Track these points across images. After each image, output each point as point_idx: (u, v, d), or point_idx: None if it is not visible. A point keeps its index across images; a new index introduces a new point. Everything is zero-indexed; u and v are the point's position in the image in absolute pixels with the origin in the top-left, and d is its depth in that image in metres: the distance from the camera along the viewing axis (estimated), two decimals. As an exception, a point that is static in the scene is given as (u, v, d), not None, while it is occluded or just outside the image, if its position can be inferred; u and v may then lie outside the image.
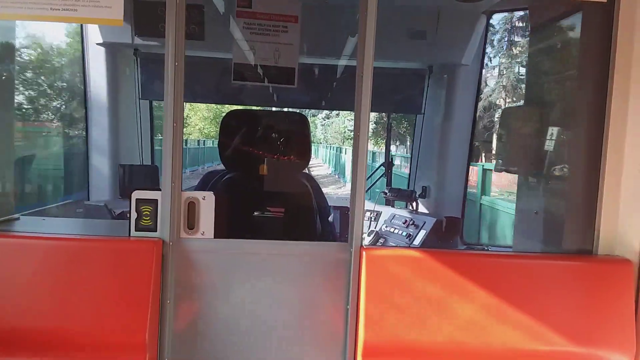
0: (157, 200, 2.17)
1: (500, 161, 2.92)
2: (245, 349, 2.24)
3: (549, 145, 2.78)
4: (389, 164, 4.52)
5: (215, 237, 2.24)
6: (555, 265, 2.30)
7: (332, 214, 3.09)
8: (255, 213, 2.69)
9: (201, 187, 2.75)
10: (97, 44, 3.82)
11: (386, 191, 4.31)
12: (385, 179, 4.47)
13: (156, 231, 2.18)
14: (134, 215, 2.17)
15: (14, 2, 2.09)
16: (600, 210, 2.28)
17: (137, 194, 2.17)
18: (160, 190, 2.18)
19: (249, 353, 2.24)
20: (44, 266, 2.13)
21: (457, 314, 2.17)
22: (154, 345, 2.12)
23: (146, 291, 2.09)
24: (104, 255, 2.16)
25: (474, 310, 2.17)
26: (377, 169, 4.47)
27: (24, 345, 2.06)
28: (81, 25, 3.86)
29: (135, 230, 2.18)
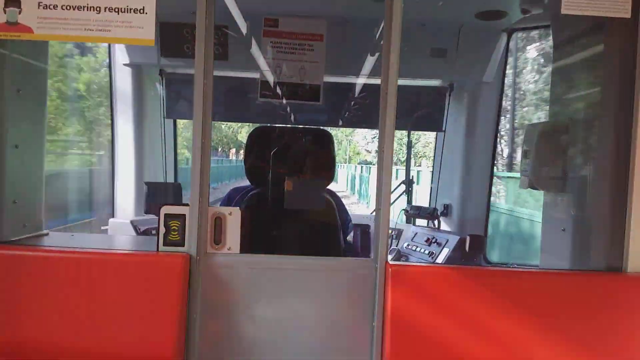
0: (184, 215, 2.21)
1: (525, 178, 2.89)
2: None
3: (575, 160, 2.75)
4: (409, 181, 4.50)
5: (241, 252, 2.26)
6: (583, 283, 2.26)
7: (351, 230, 3.09)
8: (275, 232, 2.70)
9: (226, 202, 2.79)
10: (124, 64, 3.93)
11: (407, 209, 4.30)
12: (406, 197, 4.46)
13: (184, 246, 2.21)
14: (162, 230, 2.20)
15: (50, 23, 2.16)
16: (630, 227, 2.25)
17: (165, 209, 2.21)
18: (187, 205, 2.22)
19: None
20: (72, 280, 2.17)
21: (485, 332, 2.14)
22: (180, 359, 2.12)
23: (173, 305, 2.11)
24: (133, 269, 2.19)
25: (502, 329, 2.14)
26: (397, 187, 4.46)
27: (51, 356, 2.08)
28: (109, 47, 3.98)
29: (164, 245, 2.21)
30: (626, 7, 2.20)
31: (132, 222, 3.52)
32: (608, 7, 2.20)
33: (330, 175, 2.92)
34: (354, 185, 26.28)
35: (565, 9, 2.18)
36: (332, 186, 3.00)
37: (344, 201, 3.10)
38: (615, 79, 2.38)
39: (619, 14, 2.21)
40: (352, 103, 4.27)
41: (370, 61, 3.59)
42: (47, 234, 2.63)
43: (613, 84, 2.39)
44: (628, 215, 2.26)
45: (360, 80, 4.03)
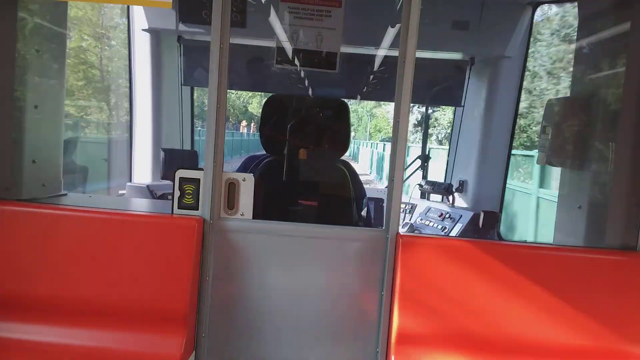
0: (199, 179, 2.23)
1: (542, 154, 2.85)
2: (279, 329, 2.27)
3: (594, 138, 2.70)
4: (425, 156, 4.47)
5: (253, 218, 2.28)
6: (596, 260, 2.24)
7: (365, 206, 3.09)
8: (288, 200, 2.71)
9: (242, 170, 2.81)
10: (143, 29, 3.92)
11: (422, 184, 4.28)
12: (422, 172, 4.43)
13: (198, 210, 2.24)
14: (177, 193, 2.23)
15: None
16: None
17: (180, 173, 2.24)
18: (202, 170, 2.24)
19: (283, 334, 2.27)
20: (91, 238, 2.22)
21: (493, 303, 2.15)
22: (192, 318, 2.18)
23: (187, 266, 2.15)
24: (148, 230, 2.23)
25: (511, 301, 2.14)
26: (413, 161, 4.43)
27: (68, 311, 2.14)
28: (128, 10, 3.97)
29: (178, 208, 2.24)
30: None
31: (148, 186, 3.58)
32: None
33: (344, 146, 2.92)
34: (380, 168, 20.59)
35: None
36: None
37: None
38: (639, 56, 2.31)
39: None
40: (371, 76, 4.22)
41: (390, 33, 3.53)
42: (65, 195, 2.69)
43: (637, 61, 2.33)
44: None
45: (381, 53, 3.97)
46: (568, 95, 3.10)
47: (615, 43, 2.63)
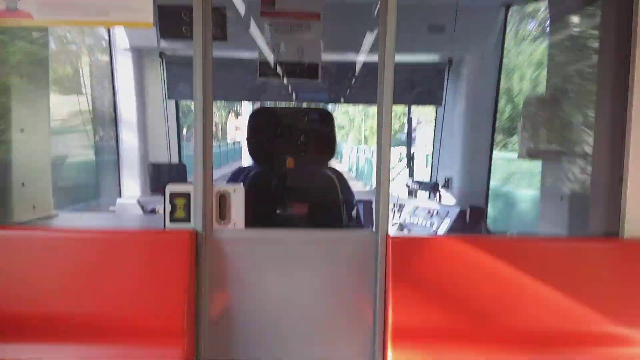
0: (189, 193, 2.26)
1: (523, 147, 2.93)
2: (277, 335, 2.30)
3: (572, 130, 2.79)
4: (410, 156, 4.55)
5: (246, 227, 2.32)
6: (581, 248, 2.31)
7: (355, 207, 3.14)
8: (278, 211, 2.75)
9: (232, 181, 2.84)
10: (124, 49, 3.95)
11: (409, 183, 4.35)
12: (408, 171, 4.51)
13: (190, 222, 2.27)
14: (168, 207, 2.26)
15: (49, 8, 2.18)
16: (626, 193, 2.30)
17: (171, 188, 2.26)
18: (192, 183, 2.27)
19: (281, 339, 2.30)
20: (83, 258, 2.22)
21: (484, 297, 2.20)
22: (190, 332, 2.19)
23: (182, 280, 2.17)
24: (141, 246, 2.25)
25: (501, 294, 2.20)
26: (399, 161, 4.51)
27: (62, 331, 2.14)
28: (108, 31, 4.00)
29: (170, 222, 2.27)
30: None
31: (139, 201, 3.59)
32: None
33: (330, 153, 2.98)
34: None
35: None
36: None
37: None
38: (612, 50, 2.40)
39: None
40: (353, 80, 4.28)
41: (369, 39, 3.60)
42: (56, 215, 2.70)
43: (610, 55, 2.42)
44: (625, 182, 2.30)
45: (361, 58, 4.04)
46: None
47: (587, 37, 2.72)
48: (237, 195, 2.30)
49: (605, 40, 2.48)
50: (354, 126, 33.37)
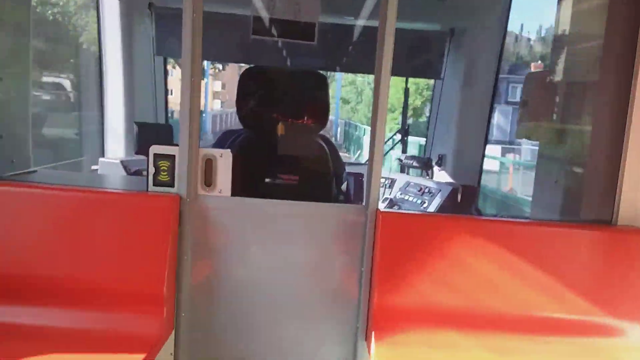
0: (174, 155, 2.17)
1: (522, 128, 2.86)
2: (259, 306, 2.26)
3: (572, 112, 2.71)
4: (405, 130, 4.45)
5: (232, 195, 2.23)
6: (572, 234, 2.28)
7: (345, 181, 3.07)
8: (267, 180, 2.67)
9: (218, 145, 2.74)
10: None
11: (401, 158, 4.27)
12: (401, 146, 4.42)
13: (174, 187, 2.18)
14: (151, 170, 2.16)
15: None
16: (622, 181, 2.25)
17: (154, 149, 2.16)
18: (177, 145, 2.17)
19: (263, 310, 2.26)
20: (63, 217, 2.15)
21: (471, 278, 2.17)
22: (171, 297, 2.14)
23: (164, 245, 2.10)
24: (122, 208, 2.17)
25: (489, 275, 2.17)
26: (392, 135, 4.42)
27: (41, 291, 2.08)
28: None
29: (153, 185, 2.18)
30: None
31: (122, 162, 3.48)
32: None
33: (324, 119, 2.87)
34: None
35: None
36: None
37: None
38: (618, 29, 2.31)
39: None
40: (350, 47, 4.14)
41: (369, 4, 3.45)
42: (35, 171, 2.59)
43: (616, 35, 2.33)
44: (621, 168, 2.25)
45: (360, 23, 3.88)
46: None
47: (593, 16, 2.62)
48: (224, 160, 2.21)
49: (612, 19, 2.39)
50: (362, 100, 28.43)
